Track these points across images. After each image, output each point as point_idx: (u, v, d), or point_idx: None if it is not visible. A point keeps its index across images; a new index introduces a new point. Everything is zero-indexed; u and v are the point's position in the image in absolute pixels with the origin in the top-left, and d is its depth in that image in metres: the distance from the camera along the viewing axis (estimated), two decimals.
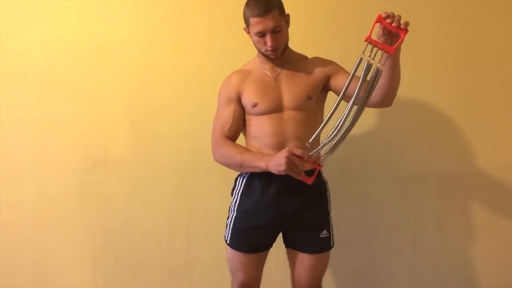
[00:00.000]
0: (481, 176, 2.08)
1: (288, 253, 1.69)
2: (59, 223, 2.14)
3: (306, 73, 1.60)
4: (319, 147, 1.43)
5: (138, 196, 2.13)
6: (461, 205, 2.09)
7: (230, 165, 1.60)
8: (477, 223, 2.10)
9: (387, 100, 1.49)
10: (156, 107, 2.08)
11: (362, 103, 1.37)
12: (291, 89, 1.57)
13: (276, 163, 1.44)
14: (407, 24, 1.29)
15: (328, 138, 1.42)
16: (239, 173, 1.67)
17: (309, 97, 1.56)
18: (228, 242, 1.64)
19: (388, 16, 1.30)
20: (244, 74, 1.64)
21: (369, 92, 1.35)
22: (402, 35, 1.29)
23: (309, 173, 1.50)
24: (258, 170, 1.53)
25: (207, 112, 2.05)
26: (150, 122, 2.09)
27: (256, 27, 1.49)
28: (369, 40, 1.32)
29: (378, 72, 1.34)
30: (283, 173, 1.44)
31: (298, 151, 1.42)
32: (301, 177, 1.47)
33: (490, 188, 2.08)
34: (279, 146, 1.53)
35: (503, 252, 2.11)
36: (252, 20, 1.49)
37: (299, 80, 1.59)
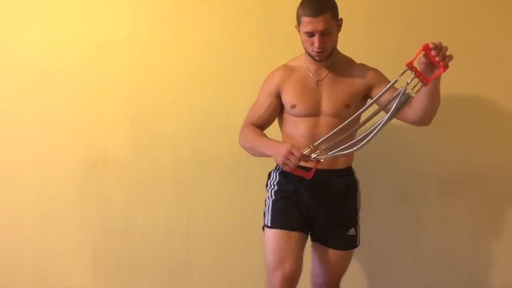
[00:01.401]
0: (481, 176, 2.07)
1: (312, 247, 1.71)
2: (59, 223, 2.14)
3: (348, 80, 1.61)
4: (326, 155, 1.45)
5: (138, 196, 2.13)
6: (461, 205, 2.09)
7: (247, 148, 1.64)
8: (477, 223, 2.10)
9: (425, 120, 1.52)
10: (156, 107, 2.08)
11: (382, 123, 1.37)
12: (331, 95, 1.59)
13: (276, 154, 1.47)
14: (448, 60, 1.28)
15: (334, 147, 1.44)
16: (274, 167, 1.69)
17: (347, 106, 1.58)
18: (269, 224, 1.61)
19: (435, 48, 1.27)
20: (288, 71, 1.64)
21: (393, 114, 1.37)
22: (441, 70, 1.29)
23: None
24: (265, 156, 1.57)
25: (207, 112, 2.07)
26: (150, 122, 2.09)
27: (306, 27, 1.50)
28: (409, 66, 1.30)
29: (407, 98, 1.35)
30: (279, 164, 1.47)
31: (297, 152, 1.42)
32: (300, 173, 1.49)
33: (490, 188, 2.08)
34: None
35: (503, 252, 2.11)
36: (304, 19, 1.50)
37: (340, 87, 1.60)
